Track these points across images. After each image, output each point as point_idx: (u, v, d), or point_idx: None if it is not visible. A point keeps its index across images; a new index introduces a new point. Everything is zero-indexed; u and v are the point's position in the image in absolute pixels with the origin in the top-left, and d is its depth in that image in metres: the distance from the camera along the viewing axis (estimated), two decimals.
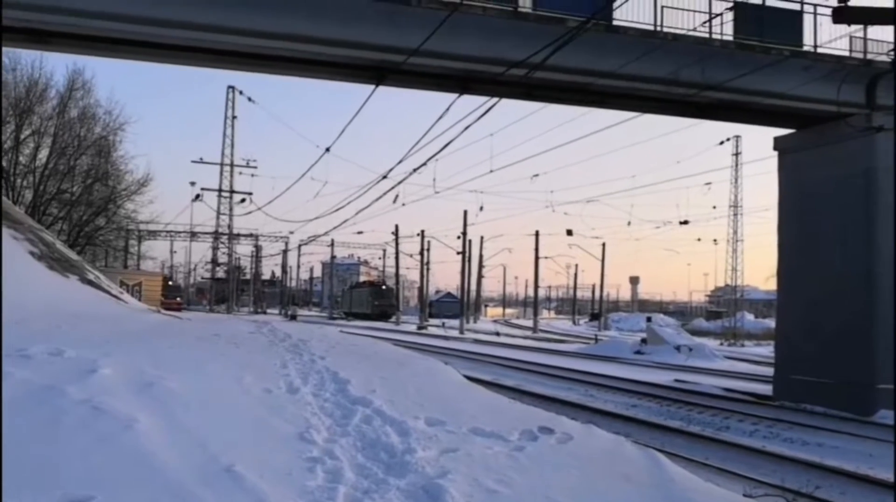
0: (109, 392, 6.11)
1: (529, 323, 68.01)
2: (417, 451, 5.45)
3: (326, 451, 5.33)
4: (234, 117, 52.72)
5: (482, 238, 79.17)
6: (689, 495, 5.12)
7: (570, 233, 57.70)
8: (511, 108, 15.95)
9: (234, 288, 56.08)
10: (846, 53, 18.32)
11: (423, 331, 52.19)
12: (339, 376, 7.95)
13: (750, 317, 70.43)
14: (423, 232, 66.85)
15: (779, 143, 21.03)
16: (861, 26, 17.97)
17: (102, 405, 5.66)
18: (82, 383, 6.32)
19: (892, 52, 18.20)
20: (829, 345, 18.59)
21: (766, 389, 20.55)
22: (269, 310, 77.37)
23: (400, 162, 32.23)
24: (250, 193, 50.31)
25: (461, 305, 61.12)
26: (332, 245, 77.56)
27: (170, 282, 56.94)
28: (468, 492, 4.63)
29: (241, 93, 51.56)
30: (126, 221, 46.35)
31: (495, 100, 12.11)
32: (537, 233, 64.76)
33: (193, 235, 65.85)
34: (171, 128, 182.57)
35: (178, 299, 56.73)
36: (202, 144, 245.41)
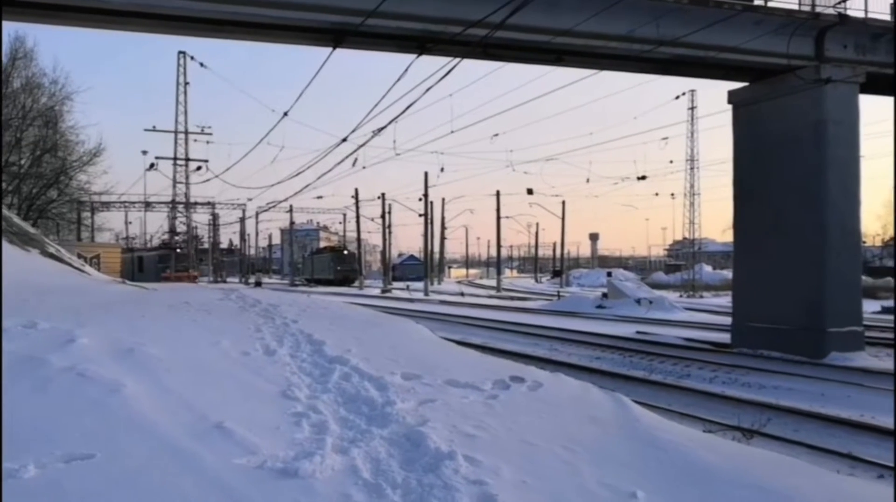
0: (91, 359, 6.23)
1: (493, 282, 68.64)
2: (397, 403, 5.69)
3: (310, 407, 5.55)
4: (186, 83, 51.73)
5: (444, 199, 79.67)
6: (653, 432, 5.45)
7: (530, 192, 58.16)
8: (470, 69, 16.03)
9: (192, 257, 55.39)
10: (795, 7, 18.67)
11: (388, 295, 52.45)
12: (313, 338, 8.14)
13: (708, 268, 72.00)
14: (383, 195, 66.88)
15: (733, 97, 21.44)
16: None
17: (87, 372, 5.79)
18: (63, 352, 6.43)
19: (842, 7, 18.59)
20: (783, 293, 19.25)
21: (724, 338, 21.24)
22: (228, 279, 76.90)
23: (359, 125, 32.10)
24: (206, 161, 49.71)
25: (425, 267, 61.45)
26: (290, 211, 77.09)
27: (178, 250, 55.51)
28: (448, 438, 4.89)
29: (192, 58, 50.59)
30: (79, 193, 45.57)
31: (457, 60, 12.20)
32: (498, 193, 65.23)
33: (148, 205, 64.98)
34: (122, 96, 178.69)
35: (191, 270, 55.19)
36: (155, 112, 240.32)
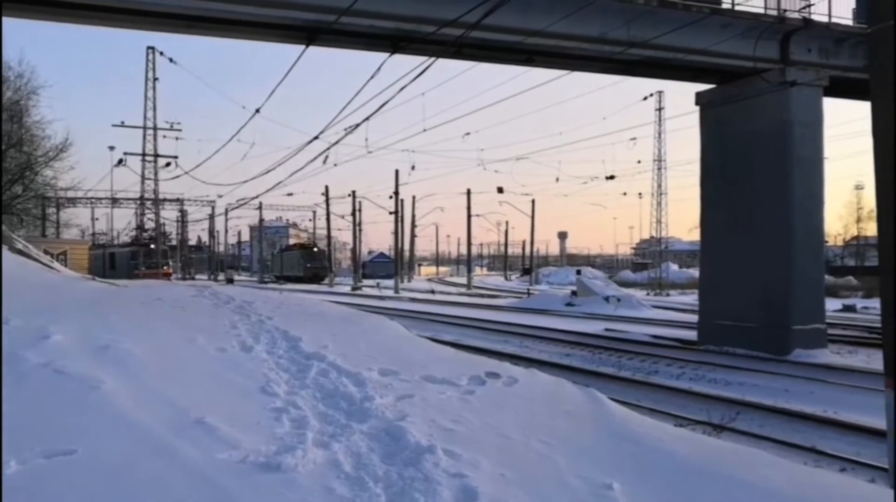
0: (67, 356, 6.22)
1: (463, 280, 68.80)
2: (375, 399, 5.76)
3: (289, 402, 5.60)
4: (155, 79, 51.01)
5: (414, 197, 79.31)
6: (627, 426, 5.58)
7: (500, 190, 58.42)
8: (443, 68, 16.11)
9: (167, 254, 54.48)
10: (762, 11, 19.01)
11: (358, 292, 52.34)
12: (289, 334, 8.17)
13: (674, 267, 72.84)
14: (354, 192, 66.71)
15: (700, 98, 21.78)
16: None
17: (64, 368, 5.79)
18: (38, 348, 6.40)
19: (807, 11, 18.98)
20: (748, 291, 19.61)
21: (691, 335, 21.57)
22: (197, 276, 76.20)
23: (332, 123, 31.99)
24: (175, 157, 49.08)
25: (395, 265, 61.40)
26: (260, 208, 76.55)
27: (152, 247, 53.96)
28: (427, 432, 4.98)
29: (161, 54, 49.90)
30: (45, 189, 44.80)
31: (431, 60, 12.27)
32: (469, 192, 65.38)
33: (115, 201, 64.05)
34: (90, 92, 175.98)
35: (166, 267, 53.26)
36: (124, 108, 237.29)
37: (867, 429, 10.45)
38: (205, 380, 6.06)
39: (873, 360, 16.72)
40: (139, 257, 51.06)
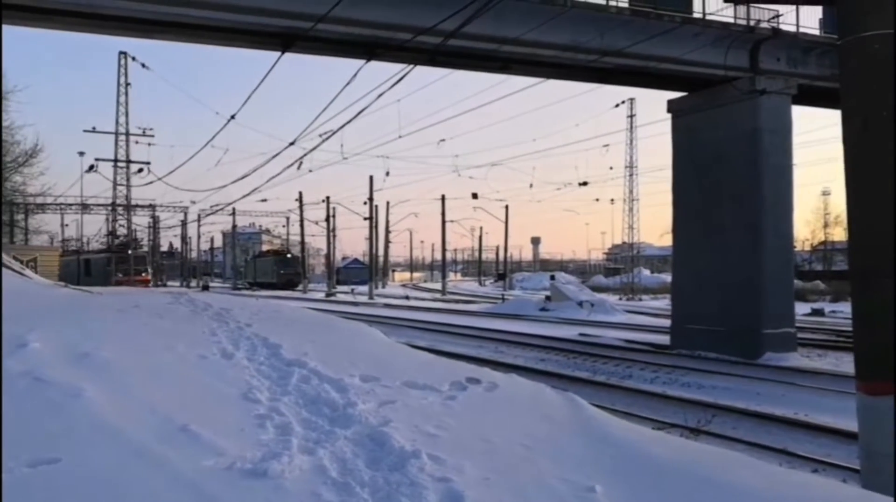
0: (47, 364, 6.17)
1: (437, 286, 68.90)
2: (358, 404, 5.79)
3: (272, 409, 5.62)
4: (127, 84, 50.57)
5: (389, 203, 79.25)
6: (606, 429, 5.67)
7: (475, 196, 58.61)
8: (418, 75, 16.17)
9: (139, 260, 53.52)
10: (732, 20, 19.35)
11: (332, 299, 52.20)
12: (269, 341, 8.17)
13: (646, 272, 73.52)
14: (328, 198, 66.63)
15: (672, 106, 22.09)
16: None
17: (44, 376, 5.75)
18: (16, 357, 6.34)
19: (776, 21, 19.34)
20: (720, 296, 19.90)
21: (664, 339, 21.84)
22: (168, 283, 75.45)
23: (307, 129, 31.90)
24: (148, 163, 48.71)
25: (370, 271, 61.33)
26: (233, 214, 76.01)
27: (129, 252, 52.52)
28: (411, 437, 5.02)
29: (133, 59, 49.48)
30: (14, 195, 44.19)
31: (409, 67, 12.34)
32: (443, 198, 65.69)
33: (86, 207, 63.24)
34: (61, 97, 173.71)
35: (144, 274, 51.64)
36: (96, 114, 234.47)
37: (837, 431, 10.68)
38: (187, 388, 6.06)
39: (842, 363, 17.07)
40: (116, 263, 50.00)
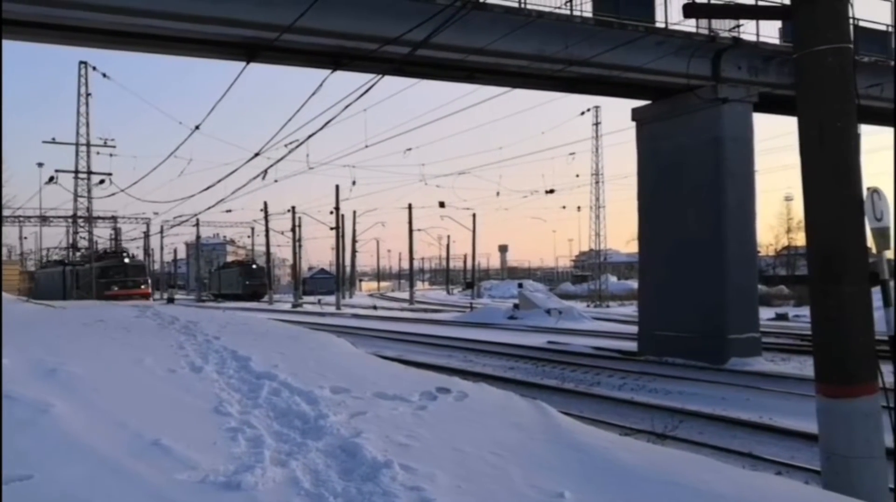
0: (13, 380, 6.12)
1: (405, 295, 68.81)
2: (329, 416, 5.83)
3: (244, 422, 5.63)
4: (88, 94, 49.90)
5: (355, 212, 79.01)
6: (574, 436, 5.77)
7: (442, 205, 58.64)
8: (385, 85, 16.22)
9: (139, 270, 51.52)
10: (694, 30, 19.68)
11: (300, 309, 51.85)
12: (238, 354, 8.17)
13: (613, 279, 74.23)
14: (293, 208, 66.18)
15: (636, 114, 22.37)
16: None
17: (11, 393, 5.70)
18: None
19: (737, 31, 19.73)
20: (685, 302, 20.15)
21: (631, 346, 22.04)
22: None
23: (273, 139, 31.74)
24: (110, 174, 47.96)
25: (337, 281, 61.08)
26: (197, 225, 75.26)
27: (127, 260, 48.19)
28: (382, 448, 5.07)
29: (94, 68, 48.83)
30: None
31: (376, 77, 12.38)
32: (410, 207, 65.60)
33: (45, 219, 62.11)
34: (19, 107, 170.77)
35: (144, 286, 47.05)
36: (55, 124, 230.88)
37: (800, 434, 10.87)
38: (157, 402, 6.04)
39: (806, 367, 17.37)
40: (111, 275, 46.01)
